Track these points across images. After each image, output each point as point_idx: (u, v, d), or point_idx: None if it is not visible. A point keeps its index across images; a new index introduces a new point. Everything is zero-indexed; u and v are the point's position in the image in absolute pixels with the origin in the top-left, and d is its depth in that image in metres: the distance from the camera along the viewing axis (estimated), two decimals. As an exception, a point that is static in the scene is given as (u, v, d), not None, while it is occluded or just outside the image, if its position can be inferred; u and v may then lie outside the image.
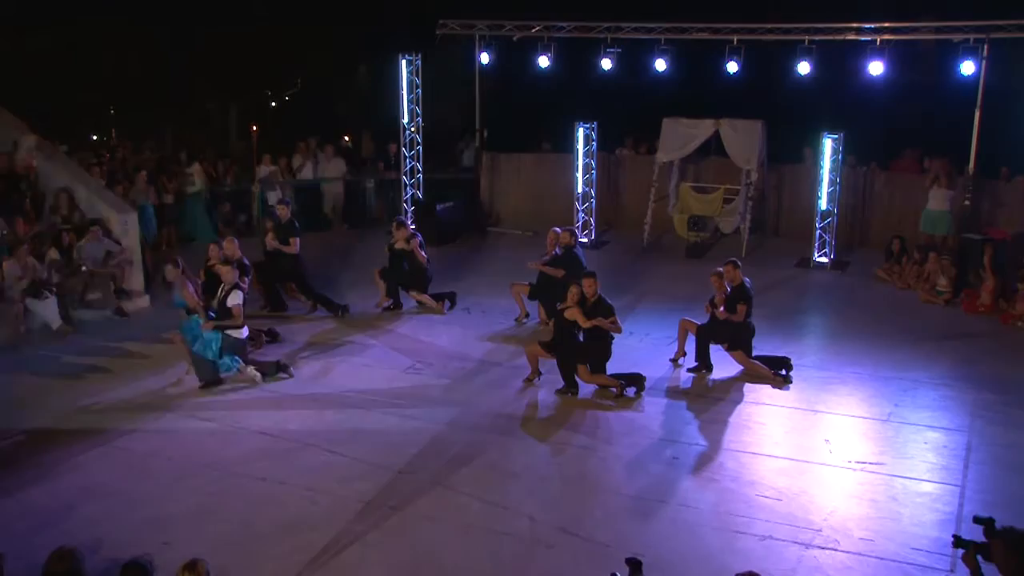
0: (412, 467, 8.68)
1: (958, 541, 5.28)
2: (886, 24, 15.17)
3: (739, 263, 11.08)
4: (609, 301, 10.45)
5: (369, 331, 12.57)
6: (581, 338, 10.40)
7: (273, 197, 17.08)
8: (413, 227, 14.51)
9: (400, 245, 13.21)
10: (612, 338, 10.42)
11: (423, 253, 13.24)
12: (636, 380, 10.47)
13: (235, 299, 10.63)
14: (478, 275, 15.43)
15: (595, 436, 9.47)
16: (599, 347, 10.37)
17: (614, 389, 10.35)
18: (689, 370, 11.14)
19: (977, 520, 5.27)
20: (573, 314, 10.26)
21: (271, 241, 13.16)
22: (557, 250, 12.51)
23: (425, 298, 13.40)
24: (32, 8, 22.03)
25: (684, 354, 11.35)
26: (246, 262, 11.81)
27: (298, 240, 13.16)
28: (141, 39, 23.66)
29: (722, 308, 10.87)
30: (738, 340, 10.94)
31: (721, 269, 11.02)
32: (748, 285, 10.98)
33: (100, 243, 13.41)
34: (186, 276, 11.00)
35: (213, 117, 25.72)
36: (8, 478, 8.42)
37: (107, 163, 16.61)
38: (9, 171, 14.15)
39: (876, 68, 15.20)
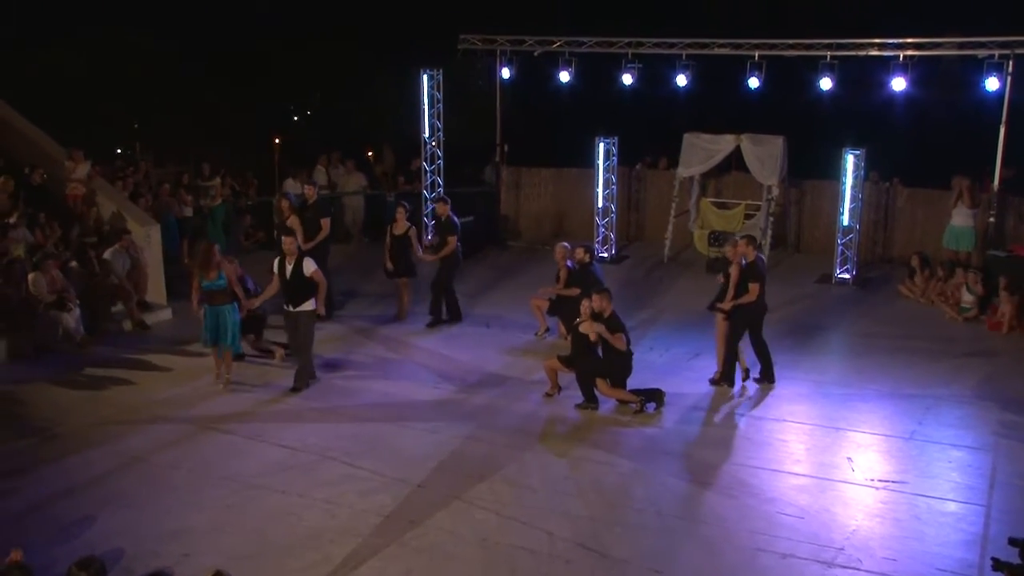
0: (431, 481, 8.67)
1: (997, 564, 5.21)
2: (909, 40, 15.08)
3: (755, 239, 10.99)
4: (621, 320, 10.40)
5: (389, 345, 12.58)
6: (600, 353, 10.37)
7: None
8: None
9: (399, 230, 13.26)
10: (631, 353, 10.38)
11: (419, 245, 13.42)
12: (656, 396, 10.42)
13: (311, 266, 10.65)
14: (498, 289, 15.43)
15: (614, 451, 9.42)
16: (619, 362, 10.34)
17: (633, 405, 10.31)
18: (756, 380, 11.09)
19: (1012, 542, 5.20)
20: (587, 327, 10.24)
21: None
22: (569, 263, 12.44)
23: (406, 292, 13.53)
24: (59, 24, 22.36)
25: (747, 370, 11.24)
26: (249, 285, 11.72)
27: (328, 220, 13.25)
28: (165, 53, 23.94)
29: (730, 292, 10.74)
30: (749, 319, 10.80)
31: (739, 238, 10.98)
32: (762, 263, 10.85)
33: (130, 254, 13.46)
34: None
35: (235, 130, 25.90)
36: (30, 489, 8.48)
37: (131, 176, 16.74)
38: (39, 185, 14.34)
39: (899, 84, 15.13)
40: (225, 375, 11.02)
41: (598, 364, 10.37)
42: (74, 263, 13.00)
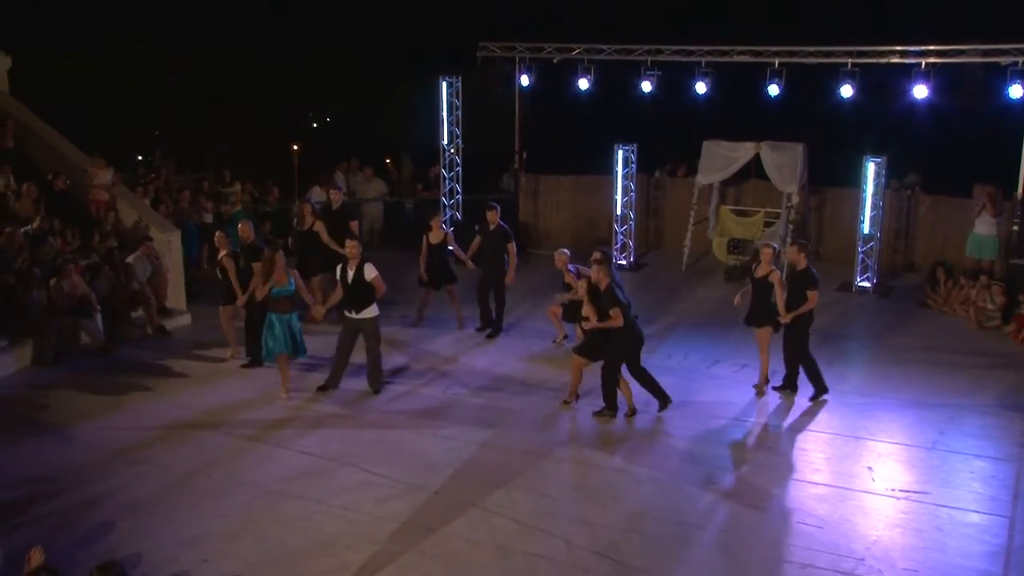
0: (448, 488, 8.67)
1: None
2: (931, 47, 14.97)
3: (807, 245, 10.82)
4: (618, 294, 10.03)
5: (407, 351, 12.59)
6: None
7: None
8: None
9: (436, 238, 13.24)
10: (633, 322, 10.13)
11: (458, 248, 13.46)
12: (660, 396, 10.32)
13: (372, 271, 10.57)
14: (516, 296, 15.37)
15: (633, 459, 9.39)
16: (626, 338, 10.08)
17: (625, 410, 10.28)
18: (775, 388, 11.00)
19: None
20: (587, 310, 10.12)
21: (325, 235, 13.07)
22: (571, 268, 12.37)
23: (455, 299, 13.53)
24: (81, 31, 22.59)
25: (767, 381, 11.13)
26: (261, 246, 11.71)
27: (357, 223, 13.46)
28: (185, 61, 24.16)
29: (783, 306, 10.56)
30: (808, 325, 10.67)
31: (775, 245, 10.84)
32: (815, 272, 10.69)
33: (151, 261, 13.53)
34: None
35: (256, 137, 26.09)
36: (50, 494, 8.53)
37: (152, 182, 16.87)
38: (61, 192, 14.47)
39: (921, 92, 15.00)
40: (284, 384, 10.92)
41: (616, 349, 10.14)
42: (106, 267, 13.13)
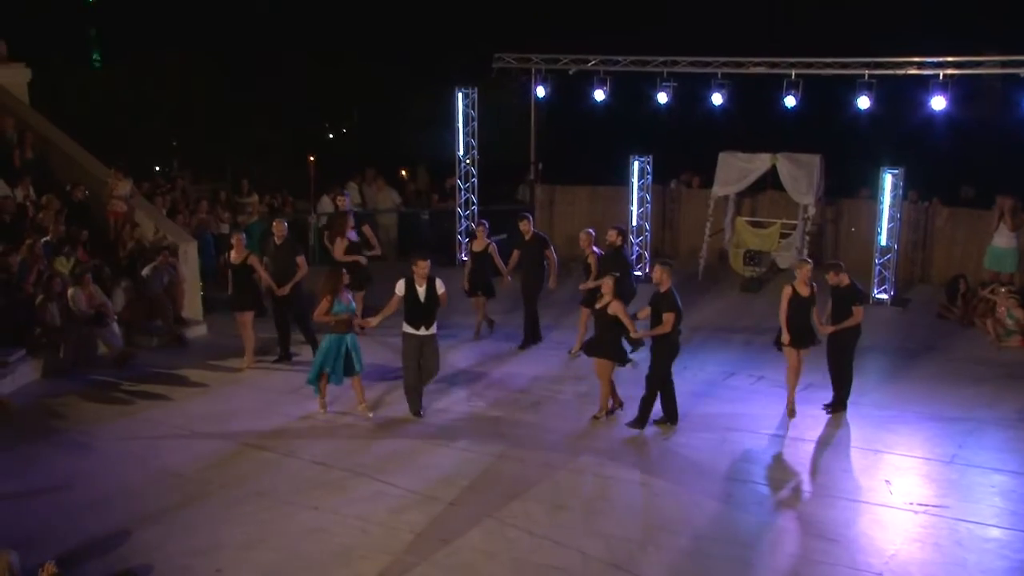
0: (463, 499, 8.64)
1: None
2: (949, 58, 14.88)
3: (838, 263, 10.80)
4: (678, 298, 9.94)
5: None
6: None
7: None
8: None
9: (479, 247, 13.19)
10: (679, 332, 10.04)
11: (500, 259, 13.23)
12: (672, 412, 10.27)
13: (443, 287, 10.42)
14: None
15: (649, 471, 9.34)
16: (673, 346, 10.06)
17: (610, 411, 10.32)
18: (826, 406, 10.82)
19: None
20: (615, 308, 9.95)
21: (342, 251, 13.13)
22: (596, 250, 12.25)
23: (482, 311, 13.47)
24: (99, 43, 22.78)
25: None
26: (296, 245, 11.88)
27: (369, 226, 13.69)
28: (202, 71, 24.31)
29: (828, 319, 10.56)
30: (856, 339, 10.64)
31: (810, 261, 10.83)
32: (860, 287, 10.68)
33: (168, 271, 13.58)
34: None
35: (272, 148, 26.20)
36: (64, 503, 8.55)
37: (168, 193, 16.95)
38: (80, 202, 14.56)
39: (939, 103, 14.89)
40: (362, 402, 10.70)
41: (662, 358, 10.03)
42: (125, 282, 13.20)
